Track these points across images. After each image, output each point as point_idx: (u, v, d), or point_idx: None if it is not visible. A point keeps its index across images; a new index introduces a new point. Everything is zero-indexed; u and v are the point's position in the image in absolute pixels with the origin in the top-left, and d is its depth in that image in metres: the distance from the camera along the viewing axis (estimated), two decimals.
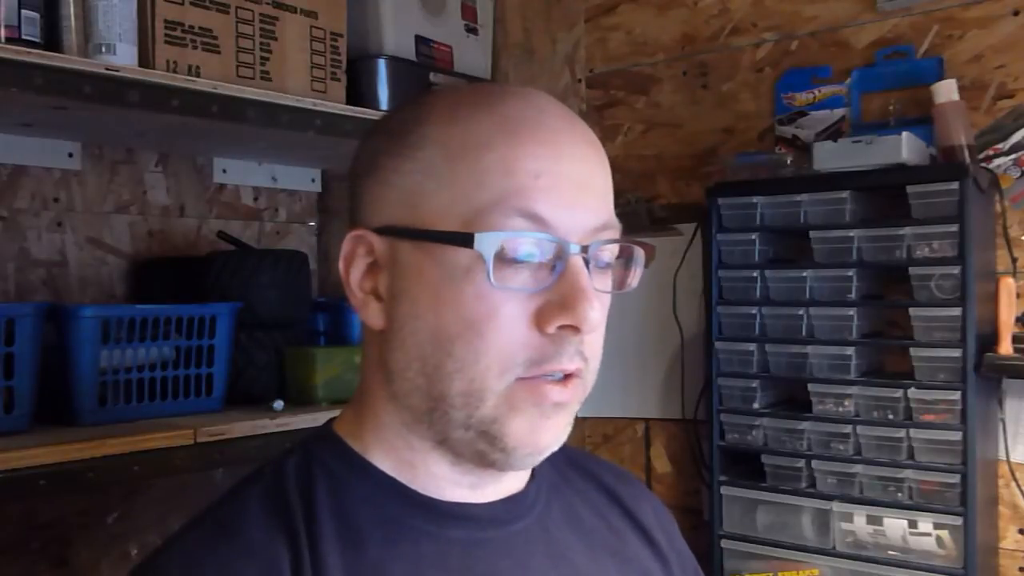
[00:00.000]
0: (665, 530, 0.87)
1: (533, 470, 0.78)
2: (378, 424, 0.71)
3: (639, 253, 0.71)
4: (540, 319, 0.64)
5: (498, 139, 0.65)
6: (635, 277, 0.71)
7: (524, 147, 0.65)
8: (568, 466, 0.84)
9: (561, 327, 0.64)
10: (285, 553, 0.64)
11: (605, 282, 0.69)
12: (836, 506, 1.51)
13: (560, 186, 0.65)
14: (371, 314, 0.69)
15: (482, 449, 0.66)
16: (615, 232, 0.69)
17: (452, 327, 0.64)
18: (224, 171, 1.76)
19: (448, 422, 0.66)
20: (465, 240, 0.63)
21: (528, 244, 0.64)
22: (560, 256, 0.64)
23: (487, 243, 0.63)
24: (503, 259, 0.63)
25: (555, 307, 0.64)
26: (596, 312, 0.63)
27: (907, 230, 1.46)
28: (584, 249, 0.65)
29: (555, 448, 0.69)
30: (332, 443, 0.73)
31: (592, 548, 0.77)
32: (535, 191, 0.64)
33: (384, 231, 0.68)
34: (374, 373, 0.72)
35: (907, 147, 1.45)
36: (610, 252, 0.69)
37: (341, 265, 0.71)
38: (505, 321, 0.63)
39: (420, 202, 0.67)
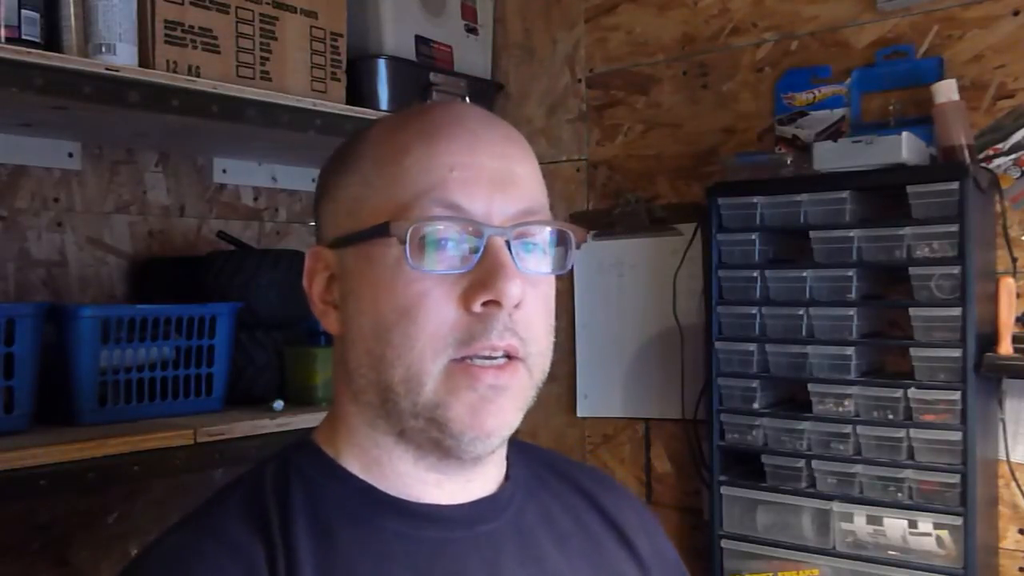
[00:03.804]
0: (648, 534, 0.88)
1: (508, 472, 0.80)
2: (347, 427, 0.76)
3: (569, 236, 0.75)
4: (466, 298, 0.68)
5: (417, 142, 0.72)
6: (570, 259, 0.75)
7: (440, 145, 0.71)
8: (547, 470, 0.86)
9: (485, 303, 0.68)
10: (261, 551, 0.68)
11: (537, 264, 0.73)
12: (836, 506, 1.51)
13: (476, 177, 0.70)
14: (330, 322, 0.77)
15: (435, 437, 0.70)
16: (544, 216, 0.74)
17: (389, 316, 0.69)
18: (224, 171, 1.76)
19: (399, 412, 0.70)
20: (384, 230, 0.69)
21: (444, 228, 0.69)
22: (479, 238, 0.69)
23: (402, 229, 0.68)
24: (424, 245, 0.69)
25: (478, 285, 0.68)
26: (516, 287, 0.67)
27: (907, 230, 1.46)
28: (506, 232, 0.69)
29: (504, 433, 0.72)
30: (307, 450, 0.77)
31: (566, 551, 0.79)
32: (450, 182, 0.70)
33: (334, 243, 0.75)
34: (339, 377, 0.78)
35: (907, 147, 1.45)
36: (540, 236, 0.74)
37: (304, 281, 0.78)
38: (434, 304, 0.68)
39: (358, 209, 0.73)
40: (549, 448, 0.96)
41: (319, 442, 0.77)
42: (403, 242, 0.68)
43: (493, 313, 0.68)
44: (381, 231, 0.69)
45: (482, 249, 0.69)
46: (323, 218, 0.78)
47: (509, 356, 0.70)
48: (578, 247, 0.75)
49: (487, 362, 0.69)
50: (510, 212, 0.71)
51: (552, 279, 0.75)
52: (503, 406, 0.70)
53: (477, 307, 0.68)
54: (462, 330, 0.68)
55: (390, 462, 0.73)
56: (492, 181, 0.71)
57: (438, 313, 0.68)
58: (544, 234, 0.74)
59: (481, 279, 0.68)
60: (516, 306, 0.69)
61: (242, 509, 0.71)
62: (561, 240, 0.75)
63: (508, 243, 0.69)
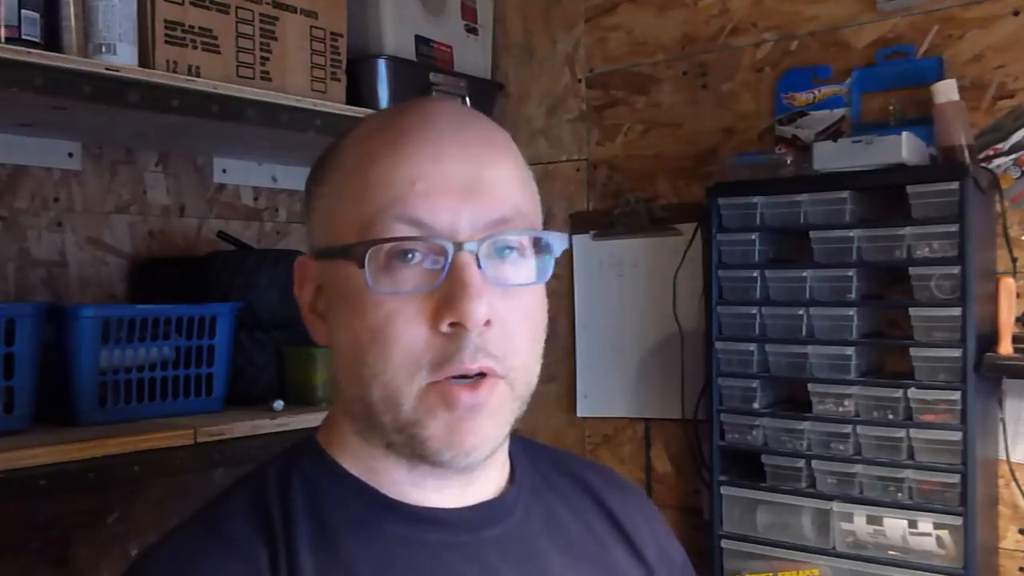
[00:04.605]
0: (657, 537, 0.87)
1: (513, 475, 0.79)
2: (343, 435, 0.75)
3: (549, 242, 0.72)
4: (433, 318, 0.66)
5: (381, 152, 0.69)
6: (551, 266, 0.72)
7: (402, 155, 0.68)
8: (555, 470, 0.85)
9: (452, 324, 0.65)
10: (265, 553, 0.67)
11: (515, 274, 0.70)
12: (836, 506, 1.51)
13: (441, 188, 0.67)
14: (318, 333, 0.75)
15: (419, 452, 0.69)
16: (521, 224, 0.70)
17: (362, 336, 0.67)
18: (224, 171, 1.76)
19: (382, 427, 0.69)
20: (345, 253, 0.68)
21: (407, 248, 0.66)
22: (444, 255, 0.66)
23: (361, 253, 0.66)
24: (391, 265, 0.66)
25: (443, 305, 0.65)
26: (481, 306, 0.65)
27: (907, 230, 1.46)
28: (472, 246, 0.66)
29: (485, 449, 0.70)
30: (310, 451, 0.76)
31: (571, 555, 0.78)
32: (412, 196, 0.66)
33: (316, 254, 0.73)
34: (332, 387, 0.76)
35: (907, 147, 1.45)
36: (516, 244, 0.70)
37: (295, 290, 0.76)
38: (404, 325, 0.66)
39: (331, 222, 0.71)
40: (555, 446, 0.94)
41: (321, 443, 0.76)
42: (362, 266, 0.66)
43: (461, 334, 0.65)
44: (345, 253, 0.68)
45: (447, 267, 0.66)
46: (309, 226, 0.76)
47: (485, 374, 0.67)
48: (559, 253, 0.72)
49: (463, 381, 0.67)
50: (480, 223, 0.67)
51: (538, 285, 0.72)
52: (481, 424, 0.68)
53: (444, 327, 0.65)
54: (435, 352, 0.66)
55: (386, 470, 0.72)
56: (459, 191, 0.67)
57: (410, 335, 0.66)
58: (521, 241, 0.70)
59: (445, 299, 0.65)
60: (488, 323, 0.66)
61: (246, 510, 0.70)
62: (540, 246, 0.72)
63: (477, 257, 0.66)
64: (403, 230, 0.66)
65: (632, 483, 0.94)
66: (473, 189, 0.68)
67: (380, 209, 0.67)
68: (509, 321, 0.68)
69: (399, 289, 0.66)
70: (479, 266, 0.66)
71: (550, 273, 0.72)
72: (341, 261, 0.69)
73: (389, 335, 0.66)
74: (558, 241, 0.72)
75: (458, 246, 0.66)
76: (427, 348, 0.66)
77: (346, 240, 0.68)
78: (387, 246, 0.66)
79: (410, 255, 0.67)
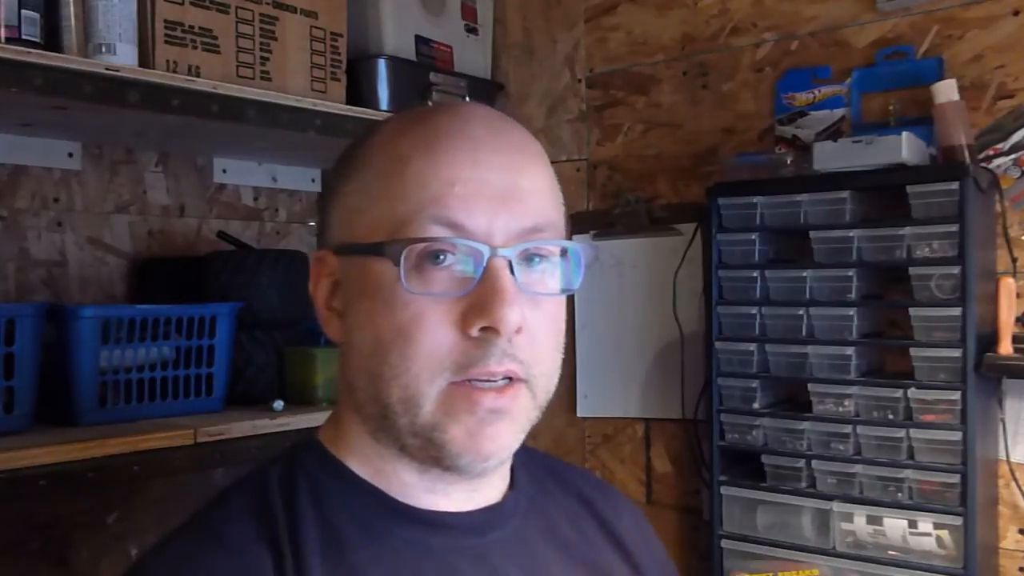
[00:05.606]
0: (644, 538, 0.88)
1: (512, 480, 0.79)
2: (352, 435, 0.74)
3: (578, 253, 0.72)
4: (463, 322, 0.66)
5: (418, 153, 0.69)
6: (577, 277, 0.72)
7: (441, 158, 0.68)
8: (547, 476, 0.86)
9: (483, 329, 0.65)
10: (269, 560, 0.66)
11: (543, 284, 0.70)
12: (836, 506, 1.51)
13: (478, 193, 0.67)
14: (332, 329, 0.74)
15: (434, 455, 0.69)
16: (552, 234, 0.71)
17: (386, 335, 0.67)
18: (224, 171, 1.76)
19: (398, 430, 0.69)
20: (377, 250, 0.67)
21: (442, 249, 0.66)
22: (479, 259, 0.66)
23: (397, 251, 0.66)
24: (422, 266, 0.66)
25: (475, 309, 0.65)
26: (515, 313, 0.65)
27: (907, 230, 1.46)
28: (507, 252, 0.66)
29: (502, 456, 0.70)
30: (314, 450, 0.75)
31: (567, 559, 0.78)
32: (451, 198, 0.67)
33: (336, 250, 0.73)
34: (342, 386, 0.75)
35: (907, 147, 1.45)
36: (546, 255, 0.70)
37: (310, 286, 0.75)
38: (431, 325, 0.66)
39: (357, 219, 0.71)
40: (547, 451, 0.95)
41: (325, 442, 0.75)
42: (397, 264, 0.66)
43: (491, 339, 0.66)
44: (376, 250, 0.67)
45: (481, 271, 0.66)
46: (328, 221, 0.75)
47: (510, 378, 0.68)
48: (587, 265, 0.72)
49: (487, 384, 0.67)
50: (514, 230, 0.68)
51: (562, 296, 0.73)
52: (502, 430, 0.68)
53: (475, 332, 0.65)
54: (460, 354, 0.66)
55: (395, 473, 0.72)
56: (495, 196, 0.67)
57: (435, 335, 0.66)
58: (551, 251, 0.71)
59: (479, 304, 0.65)
60: (519, 330, 0.66)
61: (247, 514, 0.69)
62: (567, 257, 0.72)
63: (511, 263, 0.66)
64: (438, 231, 0.66)
65: (616, 489, 0.95)
66: (508, 196, 0.68)
67: (416, 209, 0.67)
68: (536, 329, 0.69)
69: (430, 290, 0.66)
70: (512, 272, 0.66)
71: (578, 284, 0.72)
72: (367, 257, 0.68)
73: (415, 335, 0.66)
74: (587, 253, 0.73)
75: (493, 251, 0.66)
76: (451, 351, 0.66)
77: (375, 237, 0.68)
78: (420, 246, 0.66)
79: (441, 257, 0.67)
